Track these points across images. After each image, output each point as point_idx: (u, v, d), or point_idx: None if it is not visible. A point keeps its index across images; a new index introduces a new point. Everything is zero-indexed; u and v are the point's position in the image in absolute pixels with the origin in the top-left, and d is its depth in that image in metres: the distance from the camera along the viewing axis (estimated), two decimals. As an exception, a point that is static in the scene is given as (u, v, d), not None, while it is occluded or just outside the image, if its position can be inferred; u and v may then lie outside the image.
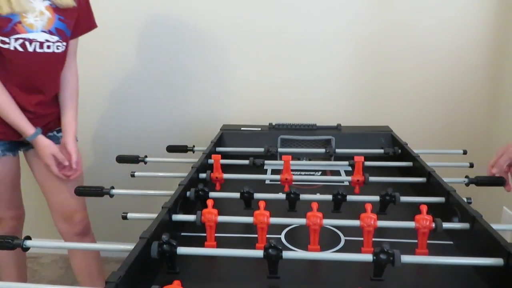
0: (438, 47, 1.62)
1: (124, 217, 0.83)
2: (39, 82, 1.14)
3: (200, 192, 0.85)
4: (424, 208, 0.71)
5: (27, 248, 0.68)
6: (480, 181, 0.99)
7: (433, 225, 0.69)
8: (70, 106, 1.22)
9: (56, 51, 1.13)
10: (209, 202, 0.74)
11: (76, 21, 1.17)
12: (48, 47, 1.11)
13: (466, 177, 0.99)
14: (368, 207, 0.70)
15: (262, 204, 0.72)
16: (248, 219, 0.73)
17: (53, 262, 1.99)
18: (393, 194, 0.83)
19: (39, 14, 1.07)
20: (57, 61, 1.17)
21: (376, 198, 0.84)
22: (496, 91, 1.64)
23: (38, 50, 1.09)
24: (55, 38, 1.12)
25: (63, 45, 1.15)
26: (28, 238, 0.69)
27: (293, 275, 0.67)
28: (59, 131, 1.24)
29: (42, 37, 1.09)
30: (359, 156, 0.96)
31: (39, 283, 1.79)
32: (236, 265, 0.70)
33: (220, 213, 0.74)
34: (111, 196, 0.96)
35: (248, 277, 0.68)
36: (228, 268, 0.71)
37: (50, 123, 1.22)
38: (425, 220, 0.69)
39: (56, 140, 1.23)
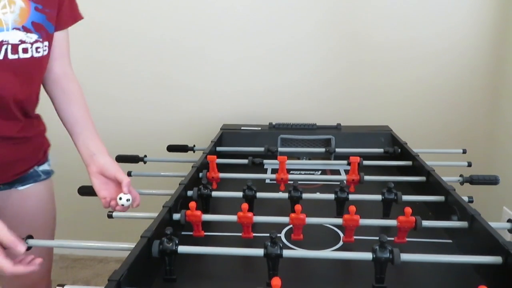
0: (438, 46, 1.63)
1: (110, 216, 0.83)
2: (12, 106, 0.80)
3: (203, 191, 0.86)
4: (408, 211, 0.73)
5: (30, 247, 0.69)
6: (475, 180, 0.99)
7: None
8: (91, 127, 0.91)
9: (36, 55, 0.80)
10: (191, 205, 0.76)
11: (58, 10, 0.85)
12: (25, 50, 0.78)
13: (461, 176, 1.00)
14: (352, 209, 0.72)
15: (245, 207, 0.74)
16: (233, 218, 0.74)
17: (53, 262, 1.99)
18: (395, 192, 0.83)
19: (8, 4, 0.75)
20: (38, 70, 0.85)
21: (378, 197, 0.84)
22: (496, 90, 1.65)
23: (10, 56, 0.76)
24: (33, 36, 0.79)
25: (45, 46, 0.82)
26: (30, 237, 0.69)
27: (293, 274, 0.67)
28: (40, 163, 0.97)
29: (15, 37, 0.76)
30: (355, 157, 0.97)
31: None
32: (236, 264, 0.71)
33: (220, 212, 0.75)
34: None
35: (248, 276, 0.68)
36: (227, 267, 0.71)
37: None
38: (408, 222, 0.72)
39: (37, 177, 0.96)
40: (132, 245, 0.62)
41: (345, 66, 1.68)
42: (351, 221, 0.72)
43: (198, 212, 0.75)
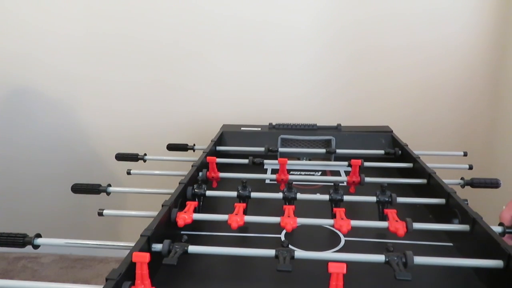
0: (439, 49, 1.63)
1: (100, 214, 0.84)
2: None
3: (196, 191, 0.86)
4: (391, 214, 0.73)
5: (37, 246, 0.68)
6: (476, 183, 0.99)
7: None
8: None
9: None
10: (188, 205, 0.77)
11: None
12: None
13: (462, 179, 0.99)
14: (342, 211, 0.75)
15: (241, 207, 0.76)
16: (223, 217, 0.75)
17: (53, 262, 1.99)
18: (389, 193, 0.82)
19: None
20: None
21: (373, 198, 0.84)
22: (497, 92, 1.65)
23: None
24: None
25: None
26: (39, 235, 0.69)
27: (297, 275, 0.67)
28: None
29: None
30: (356, 160, 0.97)
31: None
32: (235, 264, 0.71)
33: (217, 211, 0.75)
34: (108, 194, 0.96)
35: (247, 276, 0.68)
36: (226, 267, 0.71)
37: None
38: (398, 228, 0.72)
39: None
40: (132, 244, 0.62)
41: (345, 67, 1.68)
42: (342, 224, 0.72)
43: (190, 214, 0.75)
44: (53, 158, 1.91)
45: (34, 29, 1.75)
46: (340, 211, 0.75)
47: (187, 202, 0.80)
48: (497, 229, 0.72)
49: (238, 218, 0.74)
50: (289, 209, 0.76)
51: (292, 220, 0.72)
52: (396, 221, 0.73)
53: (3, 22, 1.76)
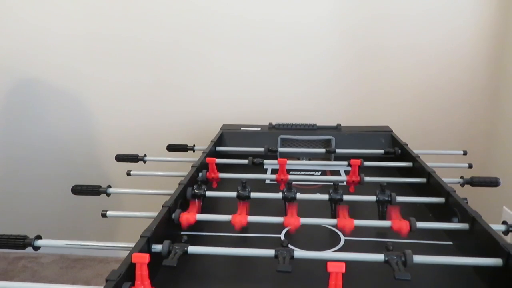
0: (439, 49, 1.63)
1: (104, 215, 0.84)
2: None
3: (196, 191, 0.86)
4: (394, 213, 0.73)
5: (38, 247, 0.68)
6: (475, 182, 0.99)
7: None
8: None
9: None
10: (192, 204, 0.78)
11: None
12: None
13: (461, 177, 0.99)
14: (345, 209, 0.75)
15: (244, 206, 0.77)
16: (227, 217, 0.75)
17: (53, 262, 1.99)
18: (388, 192, 0.82)
19: None
20: None
21: (372, 198, 0.84)
22: (496, 91, 1.65)
23: None
24: None
25: None
26: (39, 237, 0.69)
27: (297, 275, 0.67)
28: None
29: None
30: (356, 160, 0.97)
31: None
32: (234, 264, 0.71)
33: (217, 211, 0.75)
34: (108, 195, 0.96)
35: (246, 277, 0.68)
36: (225, 267, 0.71)
37: None
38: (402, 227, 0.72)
39: None
40: (132, 245, 0.62)
41: (345, 66, 1.68)
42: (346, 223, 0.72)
43: (193, 214, 0.75)
44: (53, 159, 1.91)
45: (34, 28, 1.75)
46: (343, 210, 0.75)
47: (190, 202, 0.80)
48: (497, 227, 0.72)
49: (241, 218, 0.73)
50: (292, 208, 0.75)
51: (295, 220, 0.72)
52: (400, 220, 0.73)
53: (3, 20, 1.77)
